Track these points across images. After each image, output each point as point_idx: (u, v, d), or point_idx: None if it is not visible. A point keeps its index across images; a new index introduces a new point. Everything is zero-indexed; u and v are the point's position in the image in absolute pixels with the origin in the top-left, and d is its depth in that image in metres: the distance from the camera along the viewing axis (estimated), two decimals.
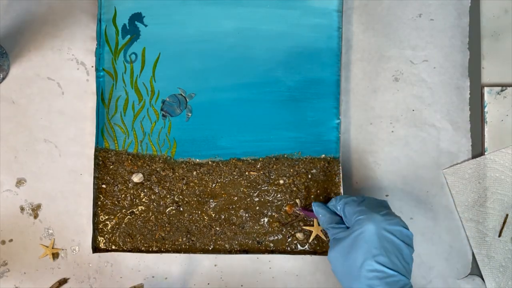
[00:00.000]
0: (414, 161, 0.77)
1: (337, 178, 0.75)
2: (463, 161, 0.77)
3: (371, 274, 0.60)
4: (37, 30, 0.77)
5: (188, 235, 0.75)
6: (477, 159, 0.77)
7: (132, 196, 0.75)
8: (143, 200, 0.75)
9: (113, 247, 0.74)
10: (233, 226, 0.75)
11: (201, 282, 0.76)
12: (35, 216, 0.76)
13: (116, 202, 0.75)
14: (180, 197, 0.75)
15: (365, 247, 0.61)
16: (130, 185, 0.75)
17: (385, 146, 0.77)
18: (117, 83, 0.75)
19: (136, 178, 0.75)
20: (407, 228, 0.63)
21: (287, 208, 0.74)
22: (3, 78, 0.76)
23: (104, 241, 0.74)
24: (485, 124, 0.77)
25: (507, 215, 0.76)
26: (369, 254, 0.60)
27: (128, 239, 0.75)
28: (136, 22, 0.75)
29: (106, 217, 0.75)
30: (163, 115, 0.75)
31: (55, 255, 0.75)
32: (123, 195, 0.75)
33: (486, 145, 0.77)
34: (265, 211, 0.75)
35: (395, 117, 0.77)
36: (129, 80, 0.75)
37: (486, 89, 0.77)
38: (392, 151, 0.77)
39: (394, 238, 0.61)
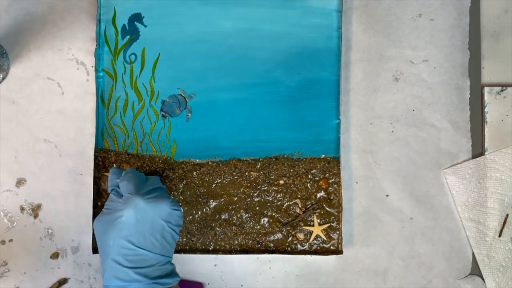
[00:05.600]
0: (414, 161, 0.77)
1: (337, 178, 0.75)
2: (463, 161, 0.77)
3: (119, 251, 0.61)
4: (37, 30, 0.77)
5: (188, 235, 0.75)
6: (477, 159, 0.77)
7: None
8: None
9: None
10: (233, 226, 0.75)
11: (201, 282, 0.76)
12: (35, 216, 0.76)
13: None
14: (180, 197, 0.75)
15: (120, 229, 0.62)
16: None
17: (385, 146, 0.77)
18: (117, 84, 0.75)
19: None
20: (176, 208, 0.64)
21: None
22: (3, 78, 0.76)
23: None
24: (485, 124, 0.77)
25: (507, 215, 0.76)
26: (121, 234, 0.62)
27: None
28: (135, 23, 0.75)
29: None
30: (162, 116, 0.75)
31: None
32: None
33: (486, 145, 0.77)
34: (265, 211, 0.75)
35: (395, 117, 0.77)
36: (128, 80, 0.75)
37: (486, 89, 0.77)
38: (392, 151, 0.77)
39: (157, 219, 0.63)
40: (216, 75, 0.76)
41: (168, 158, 0.75)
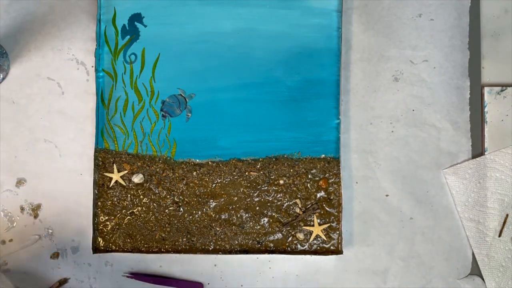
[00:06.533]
0: (414, 161, 0.77)
1: (337, 178, 0.75)
2: (463, 161, 0.77)
3: None
4: (37, 30, 0.77)
5: (188, 236, 0.75)
6: (477, 159, 0.77)
7: (132, 197, 0.75)
8: (143, 200, 0.75)
9: (113, 247, 0.75)
10: (233, 226, 0.75)
11: (201, 282, 0.76)
12: (35, 216, 0.76)
13: (116, 203, 0.75)
14: (180, 197, 0.75)
15: None
16: (130, 185, 0.75)
17: (385, 146, 0.77)
18: (117, 84, 0.75)
19: (136, 178, 0.75)
20: None
21: None
22: (3, 78, 0.76)
23: (104, 241, 0.75)
24: (485, 124, 0.77)
25: (507, 215, 0.76)
26: None
27: (128, 240, 0.75)
28: (135, 23, 0.75)
29: (106, 217, 0.75)
30: (162, 116, 0.75)
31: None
32: (123, 196, 0.75)
33: (486, 145, 0.77)
34: (265, 211, 0.75)
35: (395, 117, 0.77)
36: (128, 80, 0.75)
37: (486, 89, 0.77)
38: (392, 151, 0.77)
39: None
40: (216, 75, 0.76)
41: (168, 158, 0.75)
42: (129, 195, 0.75)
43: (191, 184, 0.75)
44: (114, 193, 0.75)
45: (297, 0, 0.76)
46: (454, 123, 0.77)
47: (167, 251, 0.74)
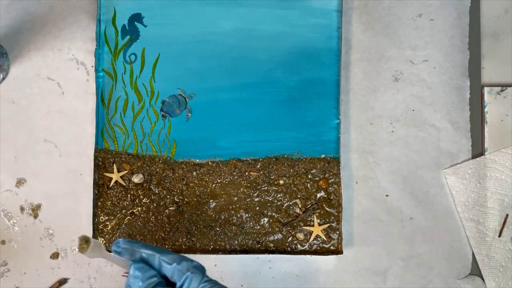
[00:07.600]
0: (414, 161, 0.77)
1: (337, 178, 0.75)
2: (463, 161, 0.77)
3: None
4: (37, 30, 0.77)
5: (188, 236, 0.75)
6: (477, 159, 0.77)
7: (132, 197, 0.75)
8: (143, 200, 0.75)
9: None
10: (233, 226, 0.75)
11: None
12: (35, 216, 0.76)
13: (116, 203, 0.75)
14: (180, 197, 0.75)
15: None
16: (130, 185, 0.75)
17: (385, 146, 0.77)
18: (117, 84, 0.75)
19: (136, 178, 0.75)
20: None
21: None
22: (3, 78, 0.76)
23: (104, 241, 0.75)
24: (485, 124, 0.77)
25: (507, 215, 0.76)
26: None
27: None
28: (135, 23, 0.75)
29: (106, 217, 0.75)
30: (162, 116, 0.75)
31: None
32: (123, 196, 0.75)
33: (486, 145, 0.77)
34: (265, 211, 0.75)
35: (395, 117, 0.77)
36: (128, 80, 0.75)
37: (486, 89, 0.77)
38: (392, 151, 0.77)
39: None
40: (216, 75, 0.76)
41: (168, 158, 0.75)
42: (129, 195, 0.75)
43: (191, 184, 0.75)
44: (114, 193, 0.75)
45: (297, 0, 0.76)
46: (454, 123, 0.77)
47: None
